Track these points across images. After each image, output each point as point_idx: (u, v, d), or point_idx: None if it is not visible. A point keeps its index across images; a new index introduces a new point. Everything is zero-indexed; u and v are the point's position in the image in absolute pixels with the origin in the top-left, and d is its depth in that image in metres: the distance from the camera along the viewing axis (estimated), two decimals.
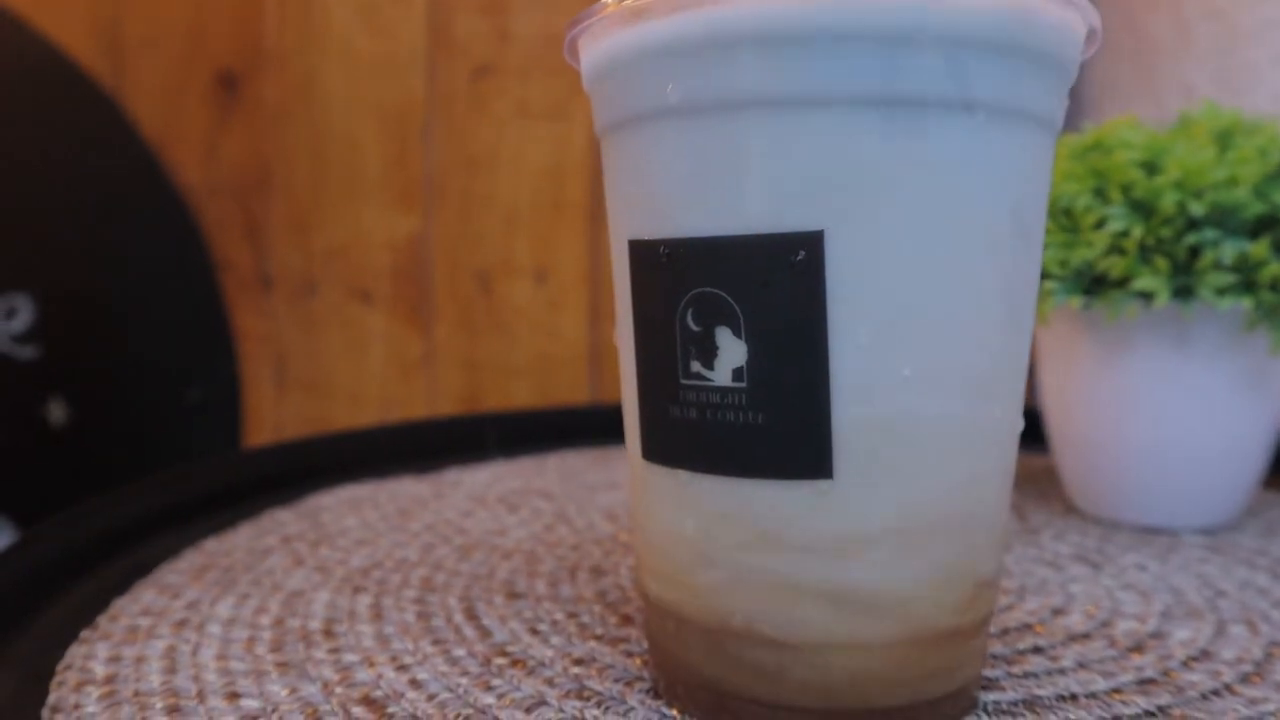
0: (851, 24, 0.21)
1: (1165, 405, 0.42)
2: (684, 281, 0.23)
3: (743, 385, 0.22)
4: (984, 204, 0.23)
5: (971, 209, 0.23)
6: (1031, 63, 0.23)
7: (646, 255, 0.24)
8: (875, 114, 0.22)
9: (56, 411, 0.70)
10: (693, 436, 0.24)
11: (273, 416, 0.78)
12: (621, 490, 0.51)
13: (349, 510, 0.46)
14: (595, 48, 0.25)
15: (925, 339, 0.22)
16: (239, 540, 0.42)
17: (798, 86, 0.22)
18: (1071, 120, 0.78)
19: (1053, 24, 0.23)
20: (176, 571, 0.38)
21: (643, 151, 0.24)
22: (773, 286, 0.22)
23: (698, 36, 0.22)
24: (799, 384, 0.22)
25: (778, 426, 0.22)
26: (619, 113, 0.25)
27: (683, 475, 0.24)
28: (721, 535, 0.24)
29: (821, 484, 0.22)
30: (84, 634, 0.32)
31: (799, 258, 0.22)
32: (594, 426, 0.63)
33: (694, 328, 0.23)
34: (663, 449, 0.25)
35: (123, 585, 0.36)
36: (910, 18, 0.21)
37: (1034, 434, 0.50)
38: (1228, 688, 0.28)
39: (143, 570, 0.38)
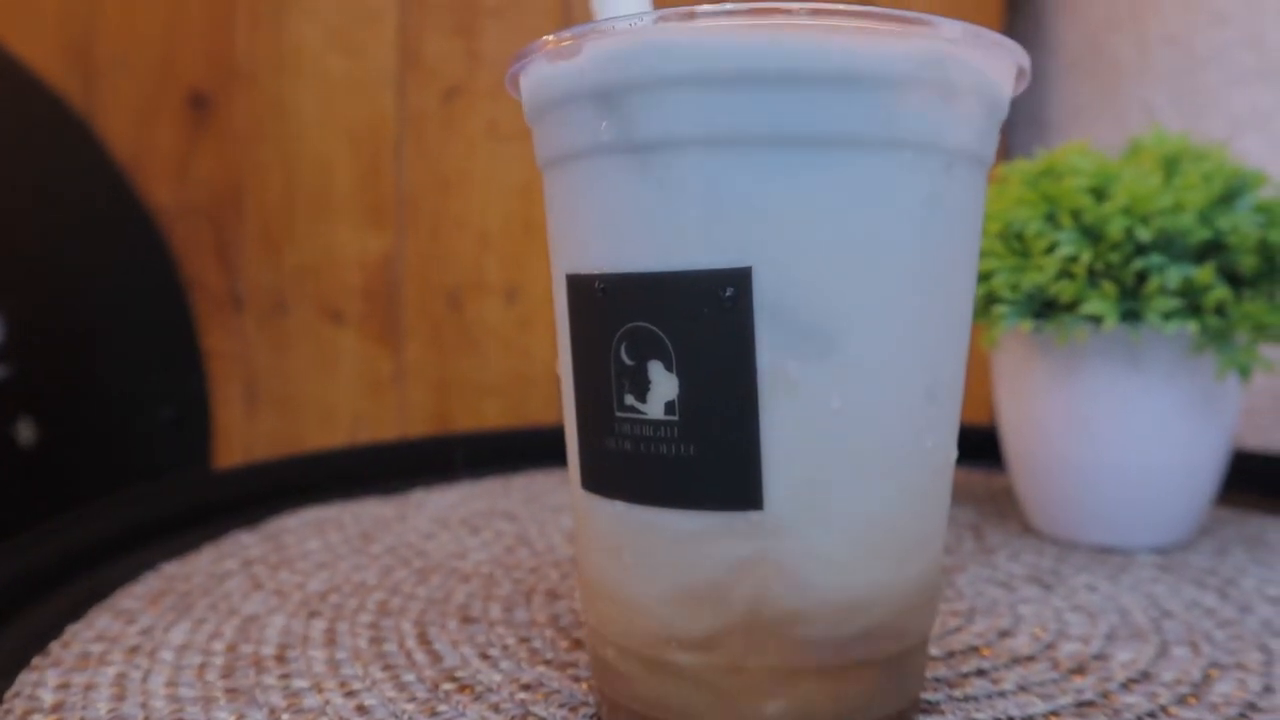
0: (779, 66, 0.22)
1: (1117, 426, 0.43)
2: (618, 316, 0.23)
3: (675, 418, 0.23)
4: (912, 240, 0.23)
5: (899, 246, 0.23)
6: (959, 102, 0.24)
7: (583, 289, 0.24)
8: (802, 153, 0.22)
9: (25, 431, 0.70)
10: (628, 468, 0.24)
11: (243, 436, 0.78)
12: None
13: (312, 532, 0.47)
14: (533, 84, 0.25)
15: (852, 372, 0.23)
16: (199, 563, 0.42)
17: (726, 126, 0.22)
18: (1036, 139, 0.79)
19: (980, 65, 0.24)
20: (133, 596, 0.38)
21: (578, 187, 0.24)
22: (703, 321, 0.22)
23: (629, 76, 0.23)
24: (729, 417, 0.23)
25: (709, 458, 0.23)
26: (556, 148, 0.25)
27: (619, 505, 0.24)
28: (657, 564, 0.24)
29: (753, 514, 0.23)
30: (35, 660, 0.32)
31: (728, 293, 0.22)
32: (561, 446, 0.63)
33: (628, 361, 0.23)
34: (600, 479, 0.25)
35: (78, 610, 0.36)
36: (836, 60, 0.22)
37: (993, 454, 0.51)
38: (1163, 709, 0.29)
39: (99, 595, 0.38)
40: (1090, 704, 0.29)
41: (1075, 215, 0.41)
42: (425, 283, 0.76)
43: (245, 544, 0.45)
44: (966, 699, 0.29)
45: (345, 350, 0.77)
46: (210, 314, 0.78)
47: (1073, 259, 0.41)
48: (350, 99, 0.76)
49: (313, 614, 0.36)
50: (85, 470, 0.73)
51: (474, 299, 0.76)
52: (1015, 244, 0.42)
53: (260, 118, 0.76)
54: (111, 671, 0.31)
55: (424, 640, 0.34)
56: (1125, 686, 0.30)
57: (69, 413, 0.73)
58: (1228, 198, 0.41)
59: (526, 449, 0.63)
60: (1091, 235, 0.41)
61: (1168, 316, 0.39)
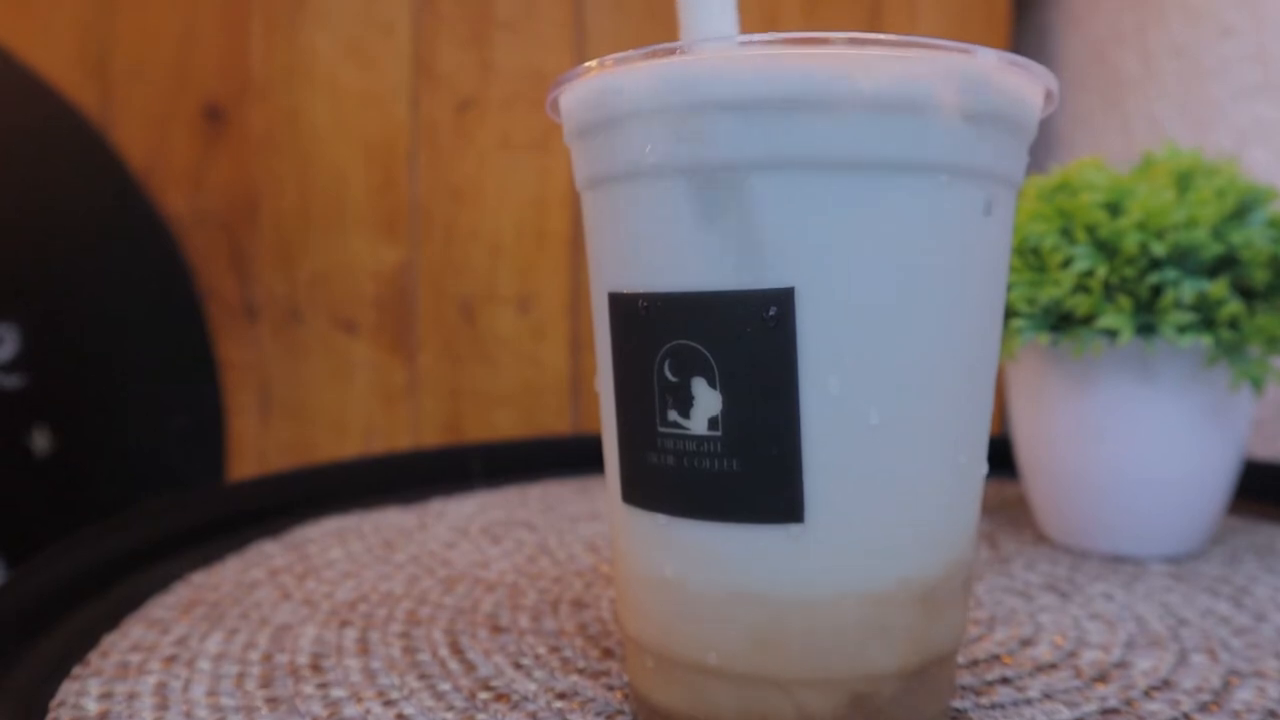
0: (819, 93, 0.22)
1: (1131, 438, 0.43)
2: (662, 334, 0.24)
3: (718, 434, 0.24)
4: (947, 261, 0.24)
5: (935, 266, 0.24)
6: (991, 128, 0.24)
7: (626, 308, 0.25)
8: (843, 177, 0.23)
9: (41, 440, 0.71)
10: (670, 482, 0.25)
11: (256, 445, 0.79)
12: (602, 521, 0.52)
13: (335, 542, 0.47)
14: (576, 108, 0.26)
15: (892, 389, 0.24)
16: (226, 573, 0.42)
17: (768, 151, 0.23)
18: (1043, 151, 0.80)
19: (1011, 90, 0.24)
20: (165, 606, 0.38)
21: (622, 208, 0.25)
22: (746, 340, 0.23)
23: (673, 103, 0.23)
24: (771, 432, 0.23)
25: (751, 473, 0.23)
26: (599, 170, 0.26)
27: (661, 518, 0.25)
28: (698, 576, 0.25)
29: (793, 528, 0.24)
30: (76, 670, 0.32)
31: (771, 313, 0.23)
32: (576, 456, 0.64)
33: (671, 378, 0.24)
34: (642, 493, 0.26)
35: (112, 620, 0.37)
36: (875, 87, 0.22)
37: (1006, 465, 0.52)
38: (1186, 717, 0.29)
39: (132, 605, 0.38)
40: (1115, 711, 0.30)
41: (1090, 230, 0.42)
42: (438, 293, 0.77)
43: (269, 554, 0.45)
44: (994, 706, 0.30)
45: (359, 360, 0.77)
46: (225, 324, 0.78)
47: (1088, 273, 0.41)
48: (364, 110, 0.76)
49: (344, 623, 0.37)
50: (100, 479, 0.73)
51: (487, 309, 0.76)
52: (1031, 258, 0.43)
53: (275, 129, 0.77)
54: (152, 680, 0.31)
55: (456, 649, 0.34)
56: (1148, 694, 0.31)
57: (84, 422, 0.73)
58: (1240, 213, 0.42)
59: (542, 458, 0.63)
60: (1107, 250, 0.41)
61: (1182, 330, 0.40)
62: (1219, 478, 0.45)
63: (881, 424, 0.24)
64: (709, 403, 0.24)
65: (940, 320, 0.24)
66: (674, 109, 0.23)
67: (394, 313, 0.77)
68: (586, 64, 0.25)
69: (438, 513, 0.53)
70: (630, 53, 0.24)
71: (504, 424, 0.76)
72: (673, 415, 0.24)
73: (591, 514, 0.53)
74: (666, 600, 0.26)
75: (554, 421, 0.77)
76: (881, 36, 0.22)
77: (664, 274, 0.24)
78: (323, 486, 0.56)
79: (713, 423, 0.24)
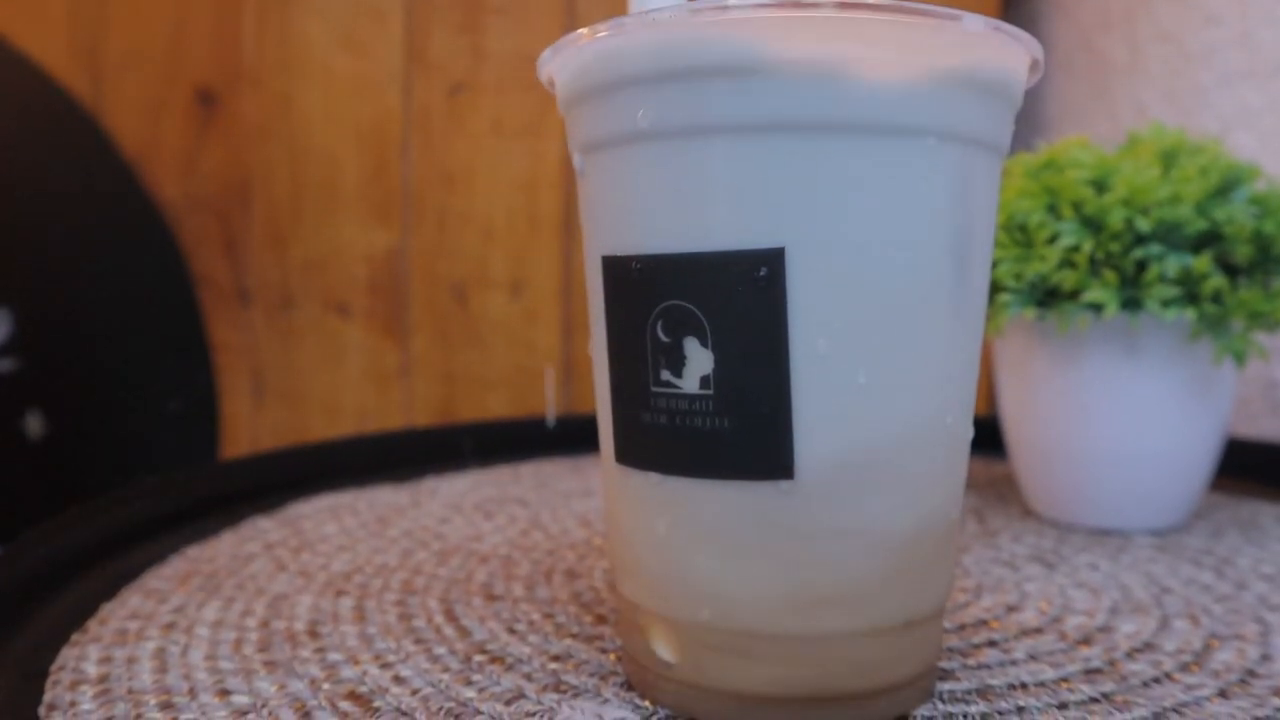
0: (807, 57, 0.23)
1: (1116, 412, 0.44)
2: (654, 295, 0.24)
3: (709, 392, 0.24)
4: (935, 223, 0.24)
5: (923, 228, 0.24)
6: (978, 93, 0.25)
7: (619, 270, 0.25)
8: (831, 139, 0.23)
9: (34, 424, 0.71)
10: (663, 440, 0.25)
11: (250, 428, 0.79)
12: (594, 497, 0.52)
13: (329, 518, 0.47)
14: (569, 75, 0.26)
15: (880, 349, 0.24)
16: (222, 547, 0.43)
17: (759, 114, 0.23)
18: (1032, 135, 0.81)
19: (999, 57, 0.25)
20: (162, 577, 0.39)
21: (615, 173, 0.25)
22: (737, 300, 0.23)
23: (666, 67, 0.24)
24: (762, 391, 0.24)
25: (742, 430, 0.24)
26: (592, 136, 0.26)
27: (654, 477, 0.26)
28: (690, 532, 0.25)
29: (783, 484, 0.24)
30: (74, 637, 0.33)
31: (762, 273, 0.23)
32: (567, 435, 0.64)
33: (664, 338, 0.24)
34: (635, 452, 0.26)
35: (110, 591, 0.37)
36: (862, 51, 0.23)
37: (995, 441, 0.53)
38: (1168, 676, 0.30)
39: (129, 576, 0.39)
40: (1098, 671, 0.30)
41: (1076, 206, 0.42)
42: (431, 277, 0.77)
43: (264, 528, 0.46)
44: (980, 666, 0.31)
45: (351, 344, 0.78)
46: (218, 308, 0.78)
47: (1074, 249, 0.42)
48: (356, 95, 0.77)
49: (339, 593, 0.37)
50: (94, 462, 0.73)
51: (479, 293, 0.77)
52: (1018, 234, 0.44)
53: (268, 114, 0.77)
54: (151, 646, 0.32)
55: (451, 616, 0.35)
56: (1130, 655, 0.32)
57: (78, 405, 0.73)
58: (1224, 190, 0.42)
59: (533, 438, 0.64)
60: (1092, 226, 0.42)
61: (1166, 304, 0.41)
62: (1203, 451, 0.45)
63: (868, 383, 0.24)
64: (701, 362, 0.24)
65: (929, 280, 0.24)
66: (667, 75, 0.24)
67: (386, 297, 0.77)
68: (579, 31, 0.25)
69: (431, 490, 0.53)
70: (623, 18, 0.24)
71: (496, 407, 0.77)
72: (665, 375, 0.25)
73: (584, 490, 0.54)
74: (659, 558, 0.26)
75: (546, 404, 0.77)
76: (868, 1, 0.23)
77: (656, 236, 0.25)
78: (316, 465, 0.56)
79: (704, 382, 0.24)
